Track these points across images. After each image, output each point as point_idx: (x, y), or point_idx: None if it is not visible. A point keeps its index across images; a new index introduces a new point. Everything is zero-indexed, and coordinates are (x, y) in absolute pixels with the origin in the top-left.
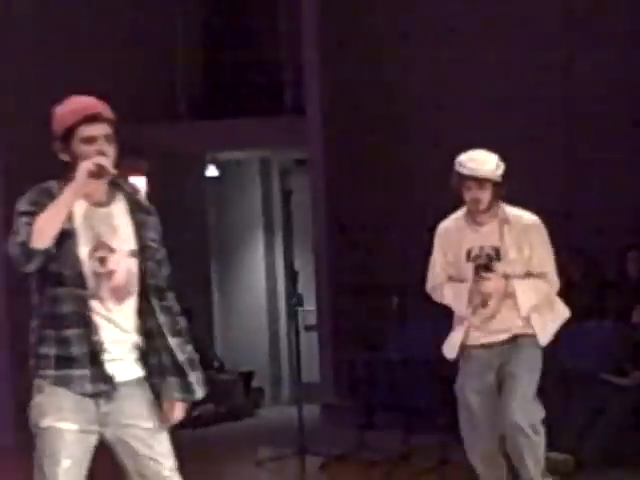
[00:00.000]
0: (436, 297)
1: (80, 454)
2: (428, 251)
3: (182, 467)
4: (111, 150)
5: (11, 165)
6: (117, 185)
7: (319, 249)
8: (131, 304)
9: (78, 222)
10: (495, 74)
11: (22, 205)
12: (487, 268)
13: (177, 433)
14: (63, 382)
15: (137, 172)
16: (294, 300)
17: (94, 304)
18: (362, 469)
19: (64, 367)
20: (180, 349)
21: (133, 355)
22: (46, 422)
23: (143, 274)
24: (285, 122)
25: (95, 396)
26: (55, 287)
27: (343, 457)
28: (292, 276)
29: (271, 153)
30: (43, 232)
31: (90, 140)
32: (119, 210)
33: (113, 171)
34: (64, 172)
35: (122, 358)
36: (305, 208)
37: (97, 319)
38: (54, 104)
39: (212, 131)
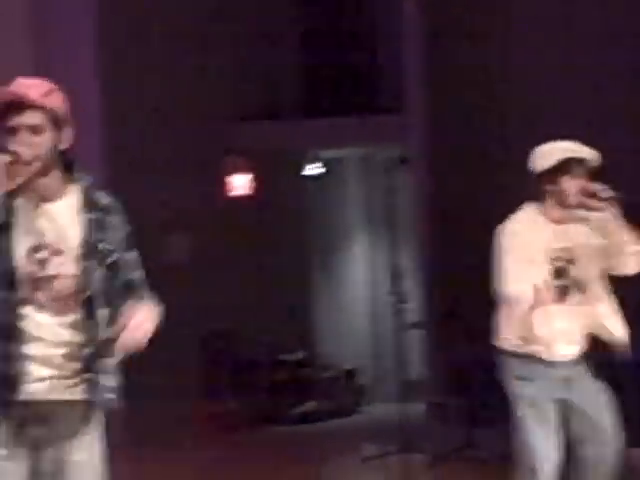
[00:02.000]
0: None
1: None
2: None
3: (286, 464)
4: (37, 141)
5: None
6: (73, 179)
7: (422, 246)
8: (75, 314)
9: (17, 218)
10: (598, 76)
11: None
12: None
13: (282, 430)
14: None
15: (240, 170)
16: (398, 297)
17: (28, 311)
18: (469, 467)
19: None
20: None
21: (68, 373)
22: None
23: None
24: (387, 119)
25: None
26: None
27: (449, 455)
28: (396, 273)
29: (373, 150)
30: None
31: (12, 131)
32: (69, 207)
33: (30, 161)
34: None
35: (51, 376)
36: (408, 205)
37: (27, 329)
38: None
39: (314, 129)
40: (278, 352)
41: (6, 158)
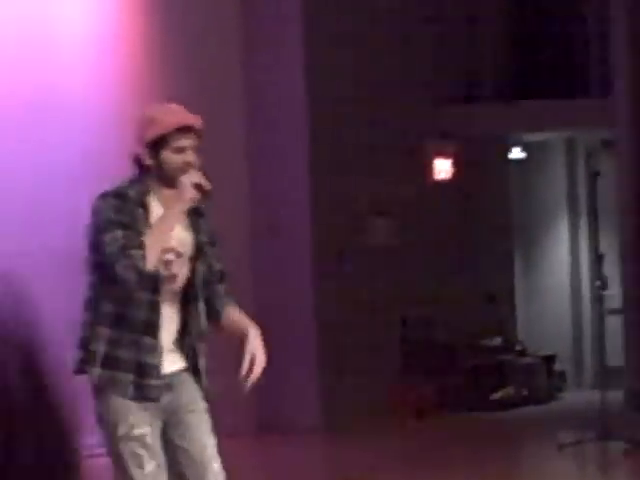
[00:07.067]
0: None
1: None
2: None
3: (483, 449)
4: (196, 161)
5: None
6: None
7: (625, 232)
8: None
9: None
10: None
11: (107, 212)
12: None
13: (478, 415)
14: (109, 383)
15: (443, 155)
16: (599, 283)
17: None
18: None
19: (112, 367)
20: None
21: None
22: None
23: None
24: (592, 103)
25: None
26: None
27: None
28: (597, 259)
29: (577, 134)
30: (154, 254)
31: (181, 150)
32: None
33: (209, 187)
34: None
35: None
36: (611, 190)
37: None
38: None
39: (517, 112)
40: (477, 337)
41: (194, 180)
